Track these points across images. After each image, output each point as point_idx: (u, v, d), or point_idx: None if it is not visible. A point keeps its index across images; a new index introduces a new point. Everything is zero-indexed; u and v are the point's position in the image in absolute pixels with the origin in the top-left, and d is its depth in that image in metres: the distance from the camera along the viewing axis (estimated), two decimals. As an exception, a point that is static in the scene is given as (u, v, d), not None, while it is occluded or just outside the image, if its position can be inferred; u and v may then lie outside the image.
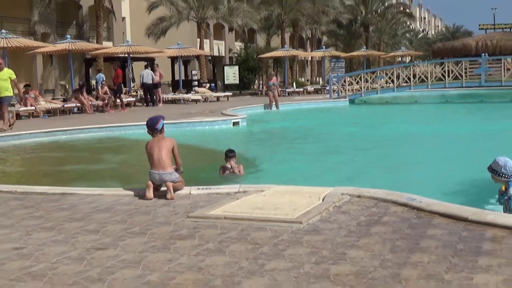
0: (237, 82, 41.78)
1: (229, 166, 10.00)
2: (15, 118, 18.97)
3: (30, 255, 4.85)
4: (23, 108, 22.09)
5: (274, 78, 27.61)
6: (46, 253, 4.89)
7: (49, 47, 27.93)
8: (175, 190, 7.03)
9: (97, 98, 26.45)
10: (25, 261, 4.69)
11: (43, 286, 4.10)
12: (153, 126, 7.36)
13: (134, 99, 29.78)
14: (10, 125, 16.68)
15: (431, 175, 10.75)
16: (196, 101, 31.26)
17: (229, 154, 10.06)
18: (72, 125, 18.01)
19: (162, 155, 7.13)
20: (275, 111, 25.66)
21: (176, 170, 7.30)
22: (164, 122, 7.59)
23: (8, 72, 16.39)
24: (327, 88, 34.18)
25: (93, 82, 33.93)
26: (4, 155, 13.69)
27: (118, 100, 26.27)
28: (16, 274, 4.37)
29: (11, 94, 16.82)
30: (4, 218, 6.23)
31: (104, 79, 28.58)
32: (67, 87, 34.33)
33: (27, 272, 4.41)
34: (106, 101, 25.93)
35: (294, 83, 42.95)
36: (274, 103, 25.81)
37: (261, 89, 25.90)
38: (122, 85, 28.13)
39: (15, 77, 16.64)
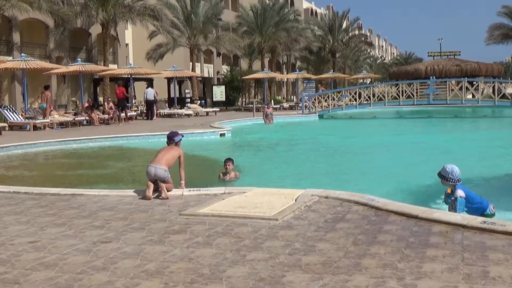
0: (224, 99, 41.75)
1: (227, 172, 10.00)
2: None
3: (43, 247, 4.79)
4: (39, 121, 21.84)
5: (271, 108, 28.15)
6: (57, 246, 4.83)
7: (63, 69, 27.72)
8: (167, 190, 7.01)
9: (103, 113, 26.26)
10: (39, 253, 4.63)
11: (54, 275, 4.04)
12: (171, 137, 7.73)
13: (135, 113, 29.62)
14: None
15: (388, 178, 10.79)
16: (188, 115, 31.16)
17: (227, 161, 10.08)
18: (81, 135, 17.82)
19: (165, 156, 7.34)
20: (259, 124, 25.65)
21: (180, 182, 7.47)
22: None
23: None
24: (300, 105, 34.19)
25: (100, 99, 33.72)
26: (23, 161, 13.52)
27: (122, 114, 26.08)
28: (31, 264, 4.31)
29: None
30: (21, 216, 6.15)
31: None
32: (77, 103, 34.01)
33: (40, 262, 4.36)
34: (111, 115, 25.80)
35: (272, 101, 43.01)
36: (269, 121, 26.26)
37: (262, 117, 26.49)
38: (125, 101, 27.92)
39: None
